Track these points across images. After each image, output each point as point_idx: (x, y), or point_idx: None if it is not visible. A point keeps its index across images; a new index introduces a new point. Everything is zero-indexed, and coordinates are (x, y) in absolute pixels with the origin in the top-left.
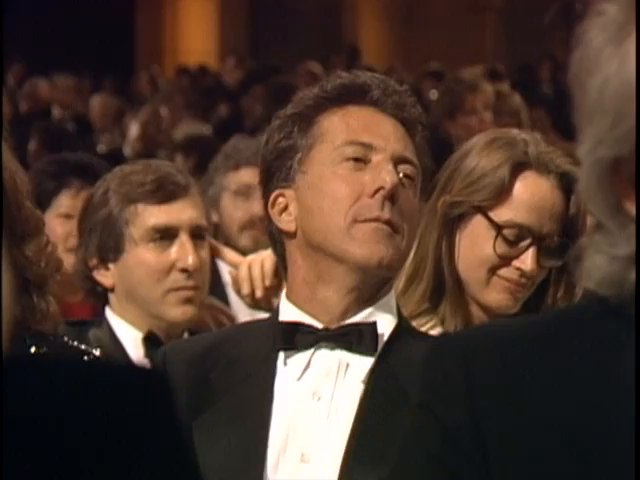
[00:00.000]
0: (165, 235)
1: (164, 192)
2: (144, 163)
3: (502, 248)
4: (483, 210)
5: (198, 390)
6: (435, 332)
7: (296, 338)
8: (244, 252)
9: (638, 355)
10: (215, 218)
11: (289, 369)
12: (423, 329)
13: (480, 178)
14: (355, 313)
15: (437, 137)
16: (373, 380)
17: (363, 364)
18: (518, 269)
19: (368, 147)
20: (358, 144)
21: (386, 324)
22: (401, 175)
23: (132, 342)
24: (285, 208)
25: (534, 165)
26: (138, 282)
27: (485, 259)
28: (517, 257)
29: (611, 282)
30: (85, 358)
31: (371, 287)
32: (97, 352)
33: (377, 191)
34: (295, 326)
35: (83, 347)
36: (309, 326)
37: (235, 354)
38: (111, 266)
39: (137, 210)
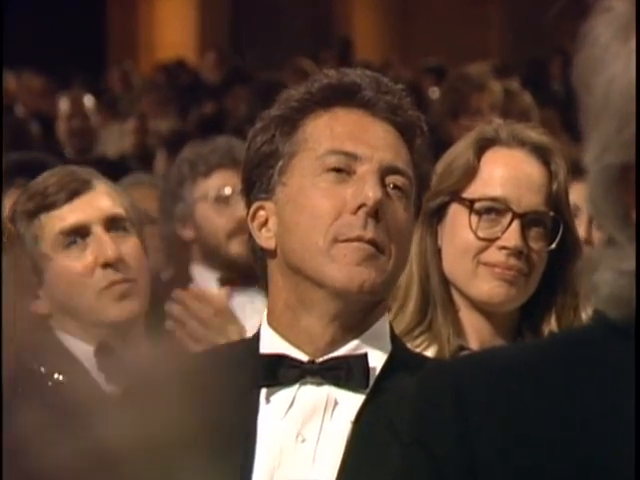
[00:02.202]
0: (77, 236)
1: (65, 192)
2: (50, 171)
3: (483, 231)
4: (456, 194)
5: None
6: (431, 350)
7: (279, 373)
8: (237, 260)
9: (638, 370)
10: (188, 234)
11: (272, 407)
12: (418, 350)
13: (449, 164)
14: (343, 343)
15: (438, 139)
16: (363, 420)
17: (352, 401)
18: (503, 248)
19: (352, 157)
20: (341, 153)
21: (378, 355)
22: (391, 187)
23: (86, 358)
24: (265, 223)
25: (504, 141)
26: (66, 295)
27: (467, 246)
28: (500, 238)
29: (619, 299)
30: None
31: (356, 314)
32: (60, 377)
33: (359, 208)
34: (278, 359)
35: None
36: (293, 359)
37: (211, 385)
38: (40, 293)
39: (41, 222)
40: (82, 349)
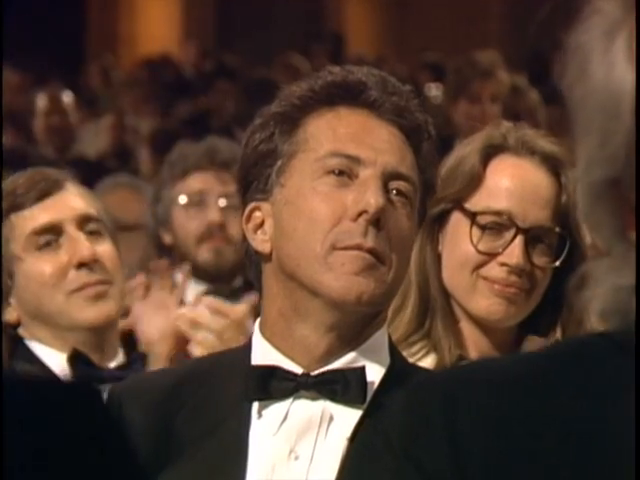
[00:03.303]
0: (49, 235)
1: (35, 191)
2: (20, 172)
3: (484, 244)
4: (459, 203)
5: (159, 442)
6: (429, 360)
7: (272, 386)
8: (205, 268)
9: (638, 382)
10: (168, 239)
11: (264, 421)
12: (415, 358)
13: (454, 169)
14: (339, 355)
15: (435, 122)
16: (360, 437)
17: (349, 417)
18: (504, 265)
19: (355, 160)
20: (343, 156)
21: (376, 368)
22: (394, 193)
23: (59, 367)
24: (261, 225)
25: (512, 148)
26: (37, 299)
27: (466, 259)
28: (502, 253)
29: (616, 313)
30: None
31: (354, 325)
32: None
33: (360, 215)
34: (270, 371)
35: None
36: (286, 371)
37: (202, 398)
38: (12, 300)
39: (12, 222)
40: (54, 357)
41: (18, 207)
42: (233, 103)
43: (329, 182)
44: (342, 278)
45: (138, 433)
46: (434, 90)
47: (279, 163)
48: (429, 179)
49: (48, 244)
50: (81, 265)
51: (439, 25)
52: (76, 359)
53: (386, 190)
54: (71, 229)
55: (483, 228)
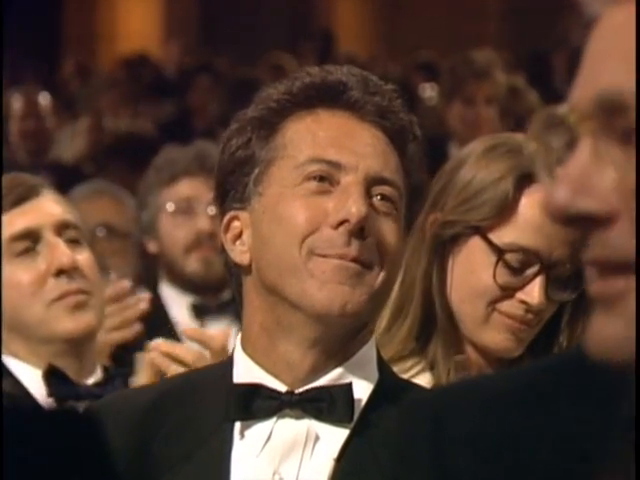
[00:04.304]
0: (26, 242)
1: (12, 196)
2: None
3: (504, 277)
4: (482, 231)
5: (137, 464)
6: (423, 378)
7: (254, 406)
8: (193, 278)
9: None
10: (153, 248)
11: (246, 442)
12: (409, 374)
13: (478, 193)
14: (325, 372)
15: (429, 123)
16: (347, 457)
17: (335, 436)
18: (523, 302)
19: (335, 166)
20: (323, 162)
21: (364, 385)
22: (378, 198)
23: (33, 384)
24: (239, 235)
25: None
26: (14, 308)
27: (483, 290)
28: (521, 288)
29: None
30: None
31: (339, 339)
32: None
33: (341, 223)
34: (253, 390)
35: None
36: (269, 389)
37: (182, 418)
38: None
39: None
40: (29, 374)
41: None
42: (217, 104)
43: (309, 188)
44: (325, 287)
45: (115, 455)
46: (429, 91)
47: (257, 171)
48: (415, 182)
49: (26, 251)
50: (60, 272)
51: (434, 23)
52: (52, 375)
53: (369, 196)
54: (49, 235)
55: (508, 265)
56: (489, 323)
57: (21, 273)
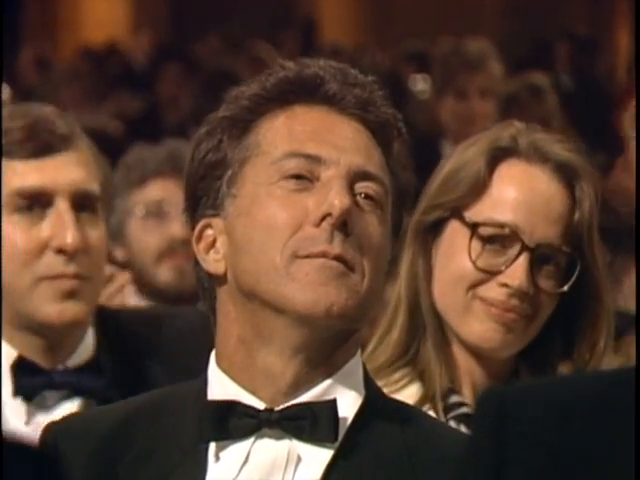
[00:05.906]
0: (35, 203)
1: (34, 143)
2: (19, 106)
3: (483, 259)
4: (458, 211)
5: None
6: (410, 390)
7: (230, 424)
8: (166, 289)
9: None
10: (121, 255)
11: (222, 465)
12: (396, 387)
13: (454, 173)
14: (308, 386)
15: (421, 118)
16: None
17: (318, 458)
18: (504, 285)
19: (315, 160)
20: (301, 156)
21: (350, 401)
22: (362, 196)
23: (5, 370)
24: (213, 244)
25: (523, 152)
26: (2, 268)
27: (461, 274)
28: (503, 272)
29: None
30: None
31: (324, 346)
32: None
33: (323, 218)
34: (229, 407)
35: None
36: (247, 407)
37: (151, 439)
38: None
39: (1, 167)
40: (4, 356)
41: (8, 154)
42: (190, 99)
43: (287, 186)
44: (308, 289)
45: None
46: (420, 83)
47: (229, 172)
48: (402, 183)
49: (29, 209)
50: (60, 251)
51: (424, 10)
52: (20, 368)
53: (353, 193)
54: (62, 204)
55: (484, 241)
56: (470, 312)
57: (17, 233)
